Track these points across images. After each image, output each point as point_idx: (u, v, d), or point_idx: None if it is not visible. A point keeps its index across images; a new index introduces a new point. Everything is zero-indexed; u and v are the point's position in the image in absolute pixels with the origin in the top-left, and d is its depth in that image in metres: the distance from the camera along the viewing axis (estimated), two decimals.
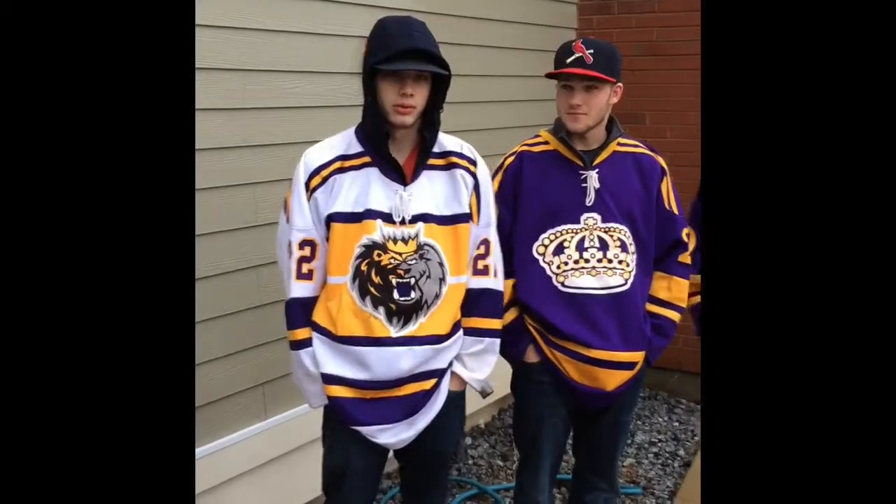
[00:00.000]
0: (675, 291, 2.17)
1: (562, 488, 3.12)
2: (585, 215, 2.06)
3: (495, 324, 1.95)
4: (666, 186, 2.16)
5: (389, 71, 1.69)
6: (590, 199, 2.06)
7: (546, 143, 2.13)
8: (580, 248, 2.05)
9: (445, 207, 1.84)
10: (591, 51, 1.98)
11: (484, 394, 3.41)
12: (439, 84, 1.79)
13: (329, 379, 1.81)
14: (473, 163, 1.89)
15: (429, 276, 1.80)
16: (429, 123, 1.81)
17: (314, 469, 2.00)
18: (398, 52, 1.67)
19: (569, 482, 2.57)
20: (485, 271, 1.92)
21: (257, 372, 2.62)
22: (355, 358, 1.79)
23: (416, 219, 1.79)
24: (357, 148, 1.82)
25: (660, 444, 3.67)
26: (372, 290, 1.77)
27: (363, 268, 1.77)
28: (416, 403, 1.84)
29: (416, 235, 1.79)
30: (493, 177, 2.14)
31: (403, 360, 1.79)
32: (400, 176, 1.81)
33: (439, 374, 1.87)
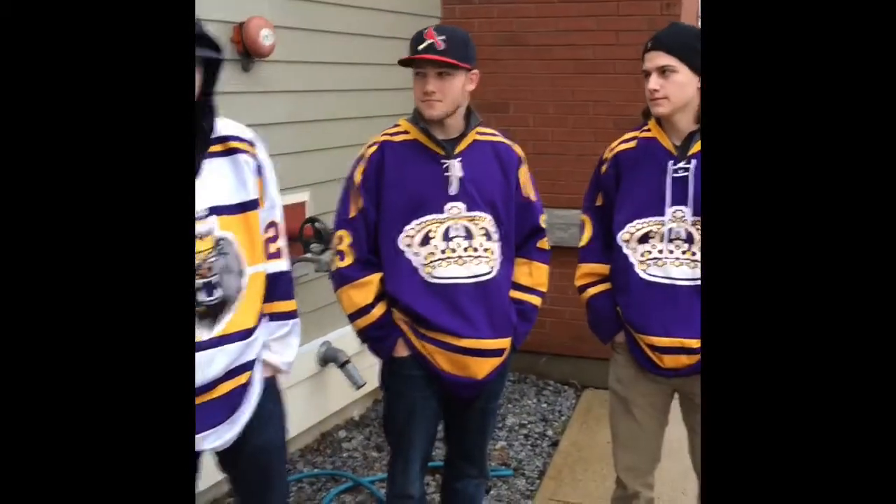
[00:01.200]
0: (537, 277, 2.22)
1: (436, 475, 3.15)
2: (450, 204, 2.06)
3: (294, 305, 1.90)
4: (524, 174, 2.19)
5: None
6: (453, 189, 2.06)
7: (406, 132, 2.12)
8: (446, 237, 2.05)
9: (235, 196, 1.73)
10: (443, 37, 1.98)
11: (357, 386, 3.37)
12: (210, 69, 1.64)
13: None
14: (253, 144, 1.78)
15: (229, 271, 1.71)
16: (206, 111, 1.68)
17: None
18: None
19: (440, 469, 2.59)
20: (277, 254, 1.85)
21: None
22: None
23: (208, 212, 1.67)
24: None
25: (529, 426, 3.78)
26: None
27: None
28: (234, 400, 1.76)
29: (212, 231, 1.68)
30: (355, 167, 2.12)
31: (216, 363, 1.68)
32: None
33: (251, 365, 1.79)
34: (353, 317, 2.11)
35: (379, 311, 2.09)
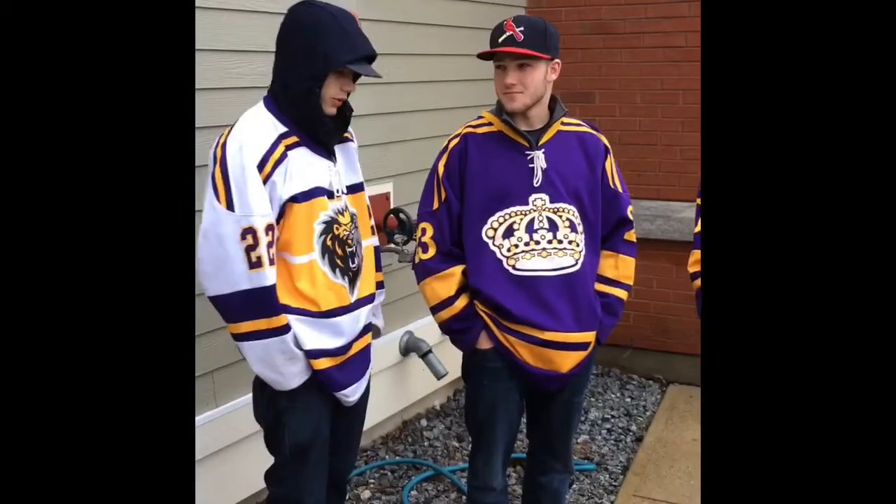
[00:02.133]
0: (623, 269, 2.18)
1: (517, 467, 3.15)
2: (534, 196, 2.04)
3: (382, 276, 2.18)
4: (610, 165, 2.16)
5: (349, 71, 1.85)
6: (537, 180, 2.04)
7: (490, 124, 2.11)
8: (530, 229, 2.04)
9: (354, 177, 2.04)
10: (522, 28, 1.96)
11: (439, 375, 3.40)
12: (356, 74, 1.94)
13: (313, 354, 1.88)
14: (352, 134, 2.07)
15: (359, 243, 2.00)
16: (347, 109, 1.99)
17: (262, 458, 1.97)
18: (364, 56, 1.86)
19: (523, 461, 2.58)
20: (372, 230, 2.14)
21: (206, 361, 2.56)
22: (333, 329, 1.90)
23: (347, 191, 1.98)
24: (283, 128, 1.86)
25: (612, 420, 3.72)
26: (339, 262, 1.91)
27: (328, 243, 1.88)
28: (365, 357, 2.04)
29: (347, 207, 1.97)
30: (438, 159, 2.12)
31: (361, 321, 1.98)
32: (328, 153, 1.94)
33: (370, 327, 2.09)
34: (435, 309, 2.12)
35: (462, 302, 2.09)
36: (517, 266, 2.04)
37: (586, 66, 4.11)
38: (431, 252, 2.10)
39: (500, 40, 1.97)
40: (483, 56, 2.03)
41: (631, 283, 2.21)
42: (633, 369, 4.25)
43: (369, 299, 2.04)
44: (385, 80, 3.27)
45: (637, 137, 4.08)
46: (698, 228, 2.20)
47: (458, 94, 3.71)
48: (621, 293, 2.19)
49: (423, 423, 3.66)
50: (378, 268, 2.15)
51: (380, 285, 2.15)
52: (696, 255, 2.20)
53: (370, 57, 1.88)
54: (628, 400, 3.96)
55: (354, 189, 2.03)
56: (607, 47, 4.09)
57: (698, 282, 2.21)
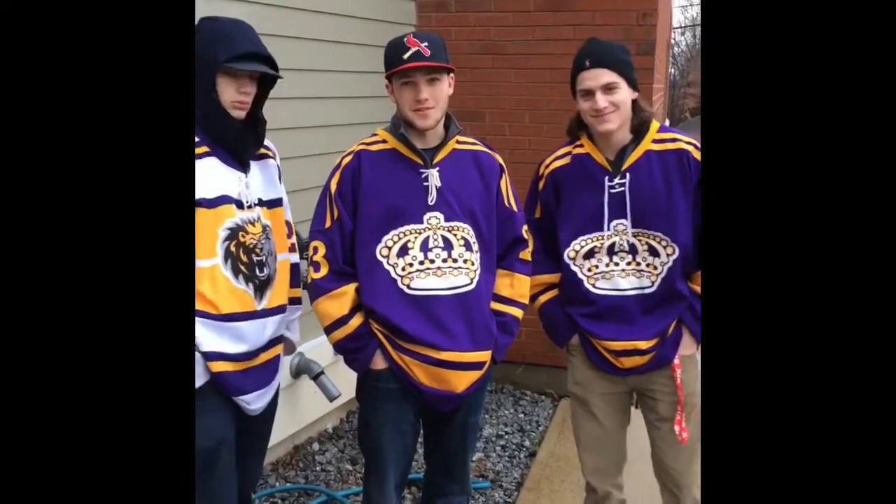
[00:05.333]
0: (518, 288, 2.18)
1: (412, 488, 3.10)
2: (428, 214, 2.02)
3: (300, 292, 2.20)
4: (505, 184, 2.17)
5: (232, 70, 1.85)
6: (432, 198, 2.02)
7: (384, 141, 2.08)
8: (424, 248, 2.01)
9: (270, 192, 2.05)
10: (426, 43, 1.96)
11: (331, 397, 3.32)
12: (265, 84, 2.00)
13: (210, 356, 1.88)
14: (274, 152, 2.13)
15: (271, 255, 2.01)
16: (259, 120, 2.02)
17: None
18: (244, 53, 1.86)
19: (420, 481, 2.54)
20: (293, 248, 2.16)
21: None
22: (234, 333, 1.90)
23: (258, 202, 1.99)
24: (197, 139, 1.86)
25: (506, 437, 3.74)
26: (243, 268, 1.92)
27: (232, 248, 1.90)
28: (271, 368, 2.03)
29: (260, 218, 1.98)
30: (331, 177, 2.07)
31: (268, 329, 1.99)
32: (241, 165, 1.95)
33: (280, 340, 2.09)
34: (329, 328, 2.06)
35: (356, 322, 2.04)
36: (412, 285, 2.01)
37: (476, 85, 4.15)
38: (324, 271, 2.04)
39: (407, 56, 1.95)
40: (392, 74, 1.98)
41: (526, 301, 2.22)
42: (526, 385, 4.30)
43: (279, 310, 2.03)
44: (277, 96, 3.19)
45: (526, 156, 4.15)
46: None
47: (353, 110, 3.66)
48: (517, 312, 2.19)
49: (315, 446, 3.56)
50: (295, 284, 2.16)
51: (296, 301, 2.17)
52: (533, 280, 2.25)
53: (258, 56, 1.89)
54: (522, 416, 3.99)
55: (272, 204, 2.04)
56: (496, 67, 4.15)
57: (536, 303, 2.32)
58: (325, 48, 3.50)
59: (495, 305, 2.15)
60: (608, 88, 2.04)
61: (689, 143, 2.15)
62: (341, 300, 2.03)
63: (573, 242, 2.17)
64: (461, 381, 2.06)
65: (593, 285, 2.17)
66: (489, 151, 2.16)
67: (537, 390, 4.26)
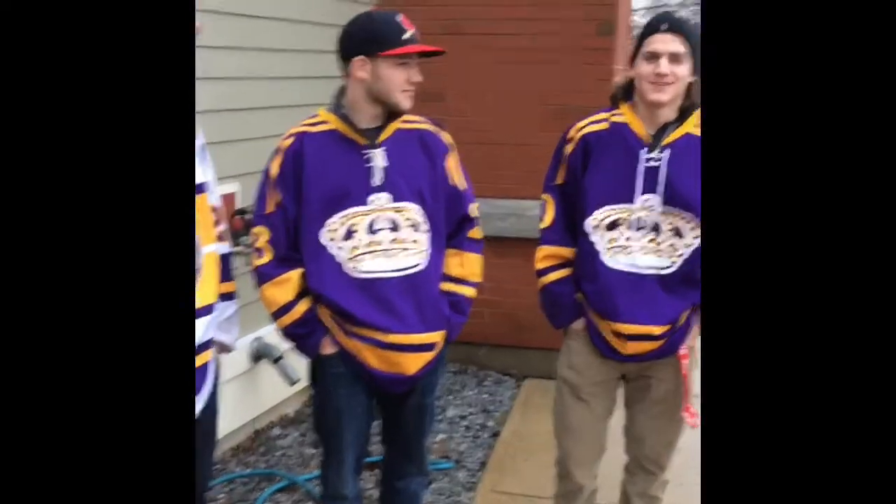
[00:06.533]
0: (469, 267, 2.16)
1: (375, 470, 3.10)
2: (374, 196, 1.99)
3: (234, 286, 2.01)
4: (452, 162, 2.13)
5: None
6: (377, 179, 1.99)
7: (326, 122, 2.04)
8: (371, 230, 1.98)
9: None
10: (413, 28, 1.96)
11: (291, 382, 3.29)
12: None
13: None
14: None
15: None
16: None
17: None
18: None
19: (380, 464, 2.53)
20: (221, 237, 1.94)
21: None
22: None
23: None
24: None
25: (470, 417, 3.76)
26: None
27: None
28: (200, 375, 1.80)
29: None
30: (271, 161, 2.03)
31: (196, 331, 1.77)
32: None
33: (211, 343, 1.86)
34: (275, 315, 2.04)
35: (302, 307, 2.01)
36: (359, 268, 1.98)
37: (437, 65, 4.09)
38: (267, 257, 2.01)
39: (407, 37, 1.93)
40: (393, 53, 1.92)
41: (478, 280, 2.20)
42: (489, 366, 4.31)
43: (206, 310, 1.84)
44: (232, 75, 3.14)
45: (489, 137, 4.14)
46: (545, 223, 2.23)
47: (311, 91, 3.59)
48: (469, 291, 2.17)
49: (276, 431, 3.54)
50: (226, 278, 1.97)
51: (228, 297, 1.98)
52: (544, 251, 2.22)
53: None
54: (485, 396, 4.01)
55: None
56: (460, 47, 4.10)
57: (544, 279, 2.23)
58: (287, 28, 3.44)
59: (446, 286, 2.13)
60: (675, 58, 1.98)
61: None
62: (286, 286, 2.00)
63: (597, 211, 2.09)
64: (412, 364, 2.04)
65: (611, 258, 2.09)
66: (434, 130, 2.13)
67: (501, 371, 4.27)
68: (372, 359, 2.03)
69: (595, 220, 2.10)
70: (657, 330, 2.09)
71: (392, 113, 2.02)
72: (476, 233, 2.19)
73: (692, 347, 2.19)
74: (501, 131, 4.14)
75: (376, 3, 4.13)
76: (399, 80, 1.95)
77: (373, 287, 1.98)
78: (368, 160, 1.99)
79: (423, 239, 2.04)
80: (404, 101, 1.98)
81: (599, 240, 2.10)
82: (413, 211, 2.02)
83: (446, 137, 2.14)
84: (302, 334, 2.04)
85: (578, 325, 2.21)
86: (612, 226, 2.09)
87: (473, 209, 2.18)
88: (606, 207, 2.09)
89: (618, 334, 2.12)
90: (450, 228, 2.14)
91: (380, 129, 2.02)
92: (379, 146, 2.01)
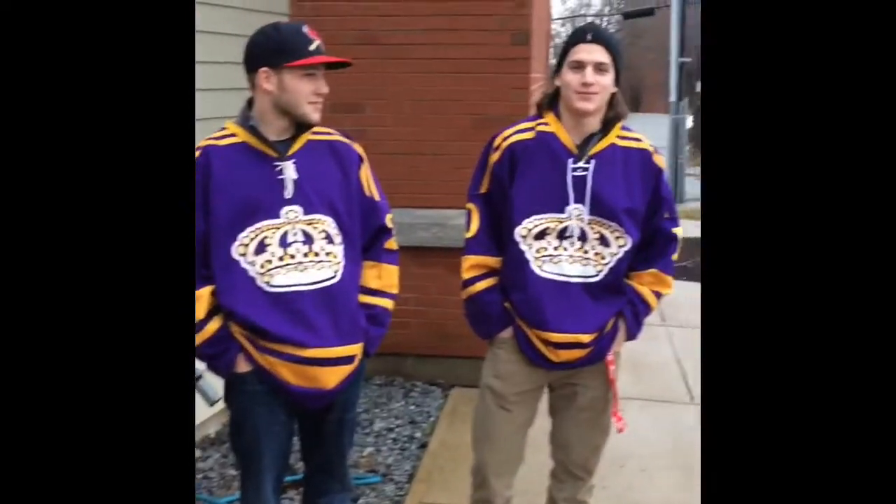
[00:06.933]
0: (386, 279, 2.15)
1: (300, 489, 3.03)
2: (286, 208, 1.96)
3: None
4: (365, 173, 2.12)
5: None
6: (289, 192, 1.96)
7: (234, 135, 1.99)
8: (283, 243, 1.95)
9: None
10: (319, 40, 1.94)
11: (211, 402, 3.19)
12: None
13: None
14: None
15: None
16: None
17: None
18: None
19: (302, 482, 2.48)
20: None
21: None
22: None
23: None
24: None
25: (397, 430, 3.73)
26: None
27: None
28: None
29: None
30: None
31: None
32: None
33: None
34: None
35: (213, 326, 1.96)
36: (272, 282, 1.94)
37: (355, 76, 4.05)
38: None
39: (314, 48, 1.90)
40: (298, 64, 1.89)
41: (396, 291, 2.18)
42: (416, 376, 4.29)
43: None
44: None
45: (409, 147, 4.14)
46: (470, 233, 2.23)
47: (225, 102, 3.51)
48: (387, 303, 2.15)
49: (197, 453, 3.43)
50: None
51: None
52: (470, 260, 2.22)
53: None
54: (412, 407, 3.99)
55: None
56: (376, 58, 4.10)
57: (471, 288, 2.23)
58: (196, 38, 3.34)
59: (364, 298, 2.11)
60: (599, 68, 2.01)
61: (651, 146, 2.16)
62: (196, 305, 1.94)
63: (526, 220, 2.10)
64: (330, 378, 2.01)
65: (539, 268, 2.10)
66: (346, 141, 2.11)
67: (428, 381, 4.26)
68: (288, 375, 1.98)
69: (524, 230, 2.11)
70: (586, 338, 2.12)
71: (301, 124, 1.99)
72: (392, 244, 2.18)
73: (618, 353, 2.23)
74: (421, 141, 4.14)
75: (287, 14, 4.08)
76: (305, 92, 1.93)
77: (287, 301, 1.94)
78: (280, 172, 1.96)
79: (338, 251, 2.01)
80: (312, 113, 1.95)
81: (528, 249, 2.11)
82: (326, 223, 1.99)
83: (359, 148, 2.13)
84: (214, 353, 1.98)
85: (507, 333, 2.21)
86: (541, 235, 2.11)
87: (389, 220, 2.17)
88: (535, 217, 2.11)
89: (547, 342, 2.13)
90: (366, 240, 2.12)
91: (290, 140, 1.99)
92: (289, 158, 1.97)
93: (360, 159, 2.11)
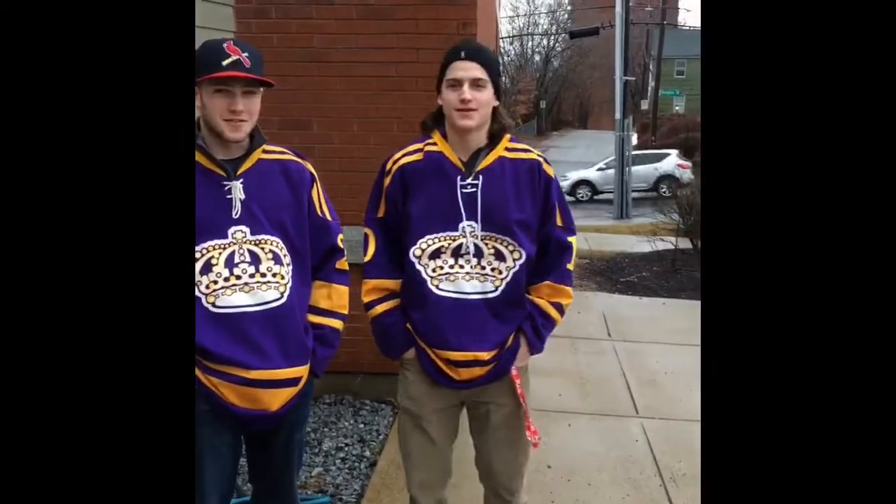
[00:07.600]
0: (336, 299, 2.14)
1: None
2: (233, 228, 1.94)
3: None
4: (317, 193, 2.11)
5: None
6: (236, 212, 1.94)
7: None
8: (230, 264, 1.93)
9: None
10: (246, 54, 1.89)
11: None
12: None
13: None
14: None
15: None
16: None
17: None
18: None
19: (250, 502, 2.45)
20: None
21: None
22: None
23: None
24: None
25: (347, 449, 3.69)
26: None
27: None
28: None
29: None
30: None
31: None
32: None
33: None
34: None
35: None
36: (217, 303, 1.92)
37: (301, 93, 4.08)
38: None
39: (227, 63, 1.85)
40: (209, 79, 1.87)
41: (346, 312, 2.18)
42: (365, 394, 4.27)
43: None
44: None
45: (356, 164, 4.13)
46: (367, 257, 2.21)
47: None
48: (337, 323, 2.15)
49: None
50: None
51: None
52: (369, 284, 2.21)
53: None
54: (362, 426, 3.96)
55: None
56: (322, 75, 4.10)
57: (372, 311, 2.22)
58: None
59: (313, 318, 2.10)
60: (476, 84, 2.02)
61: (540, 156, 2.17)
62: None
63: (420, 241, 2.11)
64: (274, 400, 1.99)
65: (437, 286, 2.11)
66: (298, 160, 2.10)
67: (376, 399, 4.24)
68: (232, 396, 1.96)
69: (418, 250, 2.11)
70: (485, 355, 2.12)
71: (253, 143, 1.98)
72: (344, 264, 2.17)
73: (522, 368, 2.23)
74: (368, 158, 4.13)
75: (234, 32, 4.06)
76: (219, 108, 1.90)
77: (232, 322, 1.92)
78: (228, 192, 1.94)
79: (286, 272, 2.00)
80: (227, 131, 1.91)
81: (423, 269, 2.11)
82: (274, 243, 1.98)
83: (311, 168, 2.12)
84: None
85: (410, 354, 2.21)
86: (436, 254, 2.11)
87: (340, 240, 2.16)
88: (429, 236, 2.11)
89: (448, 361, 2.13)
90: (316, 260, 2.11)
91: (240, 159, 1.98)
92: (238, 178, 1.96)
93: (313, 179, 2.11)
